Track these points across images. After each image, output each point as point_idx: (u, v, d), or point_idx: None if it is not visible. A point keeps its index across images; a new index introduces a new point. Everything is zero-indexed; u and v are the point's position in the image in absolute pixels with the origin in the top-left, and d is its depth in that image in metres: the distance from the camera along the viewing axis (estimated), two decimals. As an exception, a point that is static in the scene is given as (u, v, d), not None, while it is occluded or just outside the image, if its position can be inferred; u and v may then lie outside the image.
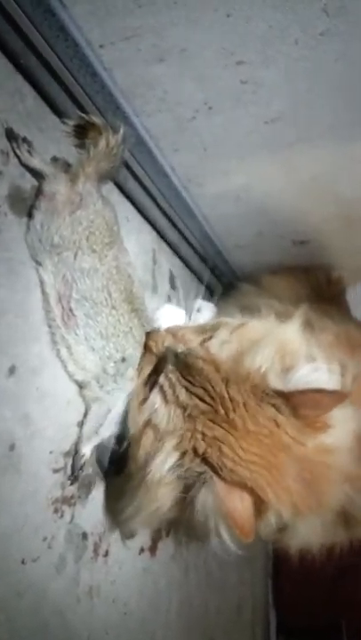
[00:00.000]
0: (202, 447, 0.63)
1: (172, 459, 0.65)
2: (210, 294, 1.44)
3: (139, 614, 0.89)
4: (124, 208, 0.98)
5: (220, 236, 1.25)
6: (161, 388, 0.68)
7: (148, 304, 0.84)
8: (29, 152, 0.69)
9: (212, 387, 0.65)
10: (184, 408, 0.66)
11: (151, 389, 0.71)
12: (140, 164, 0.90)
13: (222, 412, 0.64)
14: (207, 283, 1.39)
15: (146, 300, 0.83)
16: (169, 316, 1.06)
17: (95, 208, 0.74)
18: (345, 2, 0.60)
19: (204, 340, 0.72)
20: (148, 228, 1.09)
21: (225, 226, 1.19)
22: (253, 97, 0.76)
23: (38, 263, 0.71)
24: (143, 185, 0.96)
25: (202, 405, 0.65)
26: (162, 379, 0.69)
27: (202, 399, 0.65)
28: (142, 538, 0.93)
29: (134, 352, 0.74)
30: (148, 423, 0.68)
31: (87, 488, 0.78)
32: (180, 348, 0.72)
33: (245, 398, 0.64)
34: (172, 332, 0.77)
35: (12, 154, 0.68)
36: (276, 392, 0.64)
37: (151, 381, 0.72)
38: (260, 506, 0.63)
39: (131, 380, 0.73)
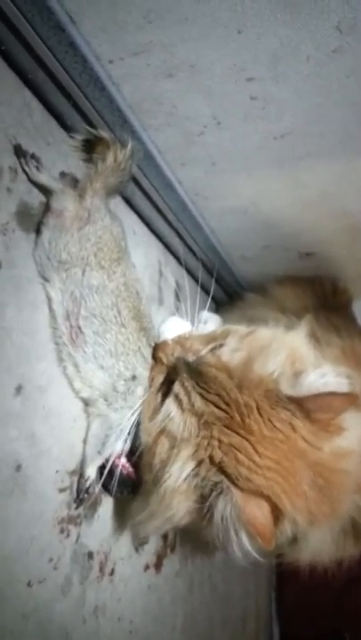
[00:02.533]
0: (218, 455, 0.63)
1: (189, 467, 0.65)
2: (216, 306, 1.44)
3: (144, 632, 0.88)
4: (131, 221, 0.98)
5: (227, 248, 1.24)
6: (176, 396, 0.68)
7: (154, 317, 0.83)
8: (37, 168, 0.68)
9: (227, 393, 0.65)
10: (200, 416, 0.65)
11: (163, 399, 0.70)
12: (148, 177, 0.89)
13: (238, 418, 0.63)
14: (213, 294, 1.38)
15: (152, 312, 0.82)
16: (175, 328, 1.05)
17: (103, 224, 0.74)
18: (358, 19, 0.60)
19: (214, 348, 0.72)
20: (154, 240, 1.08)
21: (231, 238, 1.19)
22: (263, 113, 0.75)
23: (46, 280, 0.70)
24: (150, 198, 0.95)
25: (217, 412, 0.64)
26: (177, 387, 0.68)
27: (217, 406, 0.65)
28: (147, 555, 0.92)
29: (143, 371, 0.73)
30: (162, 432, 0.68)
31: (93, 507, 0.77)
32: (191, 357, 0.72)
33: (260, 403, 0.64)
34: (180, 342, 0.76)
35: (20, 170, 0.68)
36: (289, 398, 0.64)
37: (163, 391, 0.72)
38: (276, 513, 0.62)
39: (139, 399, 0.72)
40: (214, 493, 0.63)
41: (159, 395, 0.73)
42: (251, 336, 0.74)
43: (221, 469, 0.63)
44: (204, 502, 0.63)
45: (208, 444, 0.64)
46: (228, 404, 0.64)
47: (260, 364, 0.67)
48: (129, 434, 0.72)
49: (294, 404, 0.63)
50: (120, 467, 0.73)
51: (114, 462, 0.73)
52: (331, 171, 0.89)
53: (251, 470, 0.61)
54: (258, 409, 0.63)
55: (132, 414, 0.72)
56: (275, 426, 0.63)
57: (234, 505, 0.61)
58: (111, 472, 0.74)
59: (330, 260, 1.28)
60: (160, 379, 0.74)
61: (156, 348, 0.76)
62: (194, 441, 0.65)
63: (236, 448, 0.62)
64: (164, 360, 0.75)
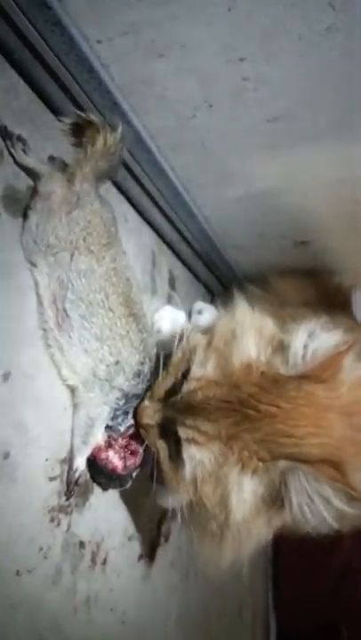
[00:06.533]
0: (264, 453, 0.60)
1: (247, 485, 0.62)
2: (210, 296, 1.43)
3: (137, 623, 0.87)
4: (123, 208, 0.96)
5: (221, 237, 1.23)
6: (187, 439, 0.64)
7: (147, 306, 0.81)
8: (24, 151, 0.67)
9: (227, 400, 0.62)
10: (219, 436, 0.62)
11: (178, 455, 0.66)
12: (139, 163, 0.88)
13: (252, 412, 0.61)
14: (207, 284, 1.37)
15: (145, 302, 0.80)
16: (169, 317, 1.04)
17: (92, 208, 0.72)
18: (352, -5, 0.58)
19: (184, 373, 0.69)
20: (147, 228, 1.07)
21: (225, 226, 1.17)
22: (255, 94, 0.74)
23: (33, 264, 0.68)
24: (142, 185, 0.93)
25: (231, 420, 0.62)
26: (182, 432, 0.65)
27: (227, 416, 0.62)
28: (141, 545, 0.91)
29: (129, 356, 0.72)
30: (197, 479, 0.64)
31: (84, 495, 0.76)
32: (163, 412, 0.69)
33: (263, 386, 0.62)
34: (152, 394, 0.73)
35: (6, 153, 0.66)
36: (290, 378, 0.62)
37: (172, 449, 0.68)
38: (342, 470, 0.59)
39: (117, 389, 0.71)
40: (283, 484, 0.60)
41: (170, 454, 0.69)
42: (213, 340, 0.70)
43: (277, 459, 0.60)
44: (277, 501, 0.61)
45: (248, 451, 0.61)
46: (235, 409, 0.62)
47: (236, 357, 0.65)
48: (108, 426, 0.72)
49: (297, 378, 0.62)
50: (104, 460, 0.72)
51: (99, 455, 0.72)
52: (325, 155, 0.87)
53: (298, 445, 0.60)
54: (265, 392, 0.61)
55: (105, 404, 0.71)
56: (290, 397, 0.61)
57: (308, 476, 0.58)
58: (97, 465, 0.73)
59: (325, 250, 1.27)
60: (160, 441, 0.70)
61: (138, 417, 0.72)
62: (233, 459, 0.62)
63: (272, 435, 0.60)
64: (152, 422, 0.71)
